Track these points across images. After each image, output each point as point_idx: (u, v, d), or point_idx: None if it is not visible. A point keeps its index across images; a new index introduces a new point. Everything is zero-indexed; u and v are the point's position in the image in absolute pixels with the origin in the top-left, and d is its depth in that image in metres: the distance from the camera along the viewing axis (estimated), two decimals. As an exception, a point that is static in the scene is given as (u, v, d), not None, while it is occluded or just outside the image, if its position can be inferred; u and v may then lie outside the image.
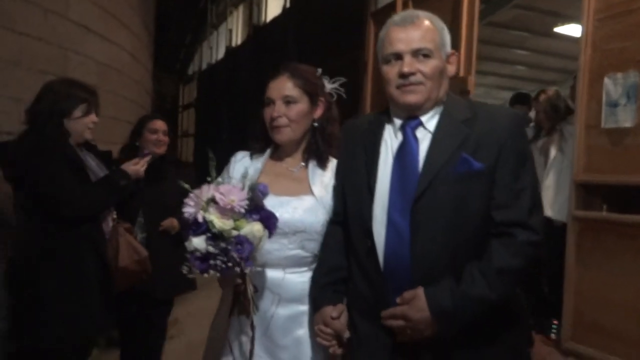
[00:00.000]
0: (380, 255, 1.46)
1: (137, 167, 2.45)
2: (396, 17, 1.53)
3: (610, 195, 3.15)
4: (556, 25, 9.16)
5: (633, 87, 2.89)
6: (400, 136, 1.52)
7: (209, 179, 1.49)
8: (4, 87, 3.20)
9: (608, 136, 3.06)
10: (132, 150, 2.86)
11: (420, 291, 1.40)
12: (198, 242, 1.41)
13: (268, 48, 9.68)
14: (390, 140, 1.54)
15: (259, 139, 1.81)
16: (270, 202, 1.53)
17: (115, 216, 2.44)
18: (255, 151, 1.82)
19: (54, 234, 2.18)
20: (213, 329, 1.83)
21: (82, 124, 2.30)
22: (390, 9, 4.45)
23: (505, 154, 1.41)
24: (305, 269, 1.70)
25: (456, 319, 1.38)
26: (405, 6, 4.47)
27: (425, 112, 1.51)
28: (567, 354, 3.23)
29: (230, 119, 11.24)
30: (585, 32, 3.23)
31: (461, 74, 3.93)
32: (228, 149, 1.88)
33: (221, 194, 1.43)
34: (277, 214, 1.52)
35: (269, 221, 1.49)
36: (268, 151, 1.81)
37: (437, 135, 1.47)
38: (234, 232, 1.42)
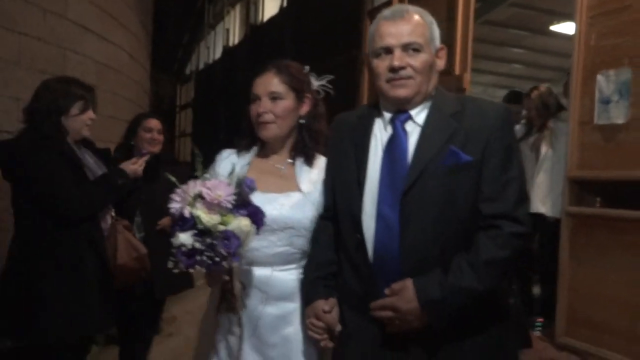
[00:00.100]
0: (370, 249, 1.48)
1: (135, 166, 2.46)
2: (386, 12, 1.54)
3: (603, 191, 3.19)
4: (552, 24, 9.18)
5: (625, 83, 2.92)
6: (389, 130, 1.53)
7: (195, 174, 1.50)
8: (3, 87, 3.22)
9: (601, 132, 3.09)
10: (127, 149, 2.87)
11: (409, 282, 1.42)
12: (185, 238, 1.41)
13: (265, 47, 9.69)
14: (380, 133, 1.55)
15: (245, 135, 1.81)
16: (257, 199, 1.52)
17: (113, 214, 2.44)
18: (241, 148, 1.81)
19: (52, 232, 2.18)
20: (201, 327, 1.83)
21: (79, 122, 2.30)
22: (387, 8, 4.48)
23: (493, 147, 1.43)
24: (293, 266, 1.70)
25: (444, 309, 1.40)
26: (401, 2, 4.49)
27: (414, 106, 1.52)
28: (562, 348, 3.26)
29: (227, 118, 11.25)
30: (578, 29, 3.26)
31: (457, 71, 3.97)
32: (225, 149, 1.88)
33: (208, 189, 1.43)
34: (265, 211, 1.52)
35: (257, 216, 1.49)
36: (254, 148, 1.81)
37: (426, 129, 1.49)
38: (221, 227, 1.42)
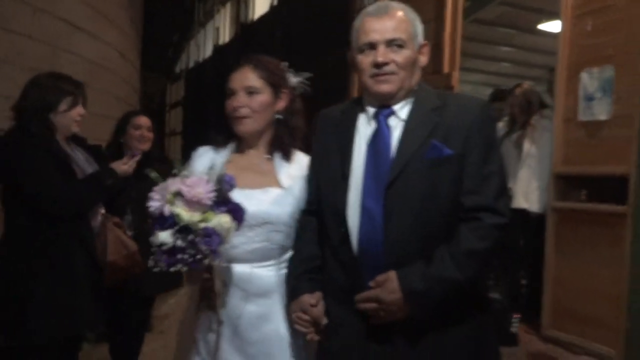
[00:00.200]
0: (355, 242, 1.49)
1: (125, 167, 2.45)
2: (370, 8, 1.56)
3: (588, 186, 3.24)
4: (540, 22, 9.24)
5: (608, 81, 2.97)
6: (373, 124, 1.55)
7: (174, 172, 1.48)
8: (-6, 85, 3.23)
9: (585, 129, 3.15)
10: (116, 147, 2.88)
11: (392, 274, 1.43)
12: (165, 236, 1.39)
13: (256, 46, 9.68)
14: (364, 128, 1.57)
15: (221, 131, 1.79)
16: (235, 196, 1.51)
17: (104, 211, 2.43)
18: (217, 144, 1.79)
19: (41, 231, 2.17)
20: (182, 326, 1.82)
21: (68, 118, 2.28)
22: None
23: (474, 141, 1.45)
24: (272, 262, 1.69)
25: (427, 299, 1.42)
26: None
27: (397, 101, 1.54)
28: (548, 341, 3.31)
29: (217, 117, 11.18)
30: (563, 28, 3.31)
31: (445, 70, 4.01)
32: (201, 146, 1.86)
33: (188, 186, 1.41)
34: (238, 202, 1.50)
35: (237, 213, 1.48)
36: (231, 145, 1.79)
37: (409, 124, 1.51)
38: (202, 225, 1.40)
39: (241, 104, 1.70)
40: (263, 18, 9.87)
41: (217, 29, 13.28)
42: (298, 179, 1.71)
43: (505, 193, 1.51)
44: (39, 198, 2.15)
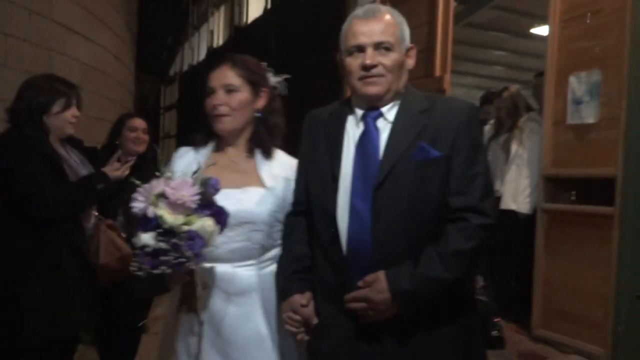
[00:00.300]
0: (344, 242, 1.50)
1: (118, 172, 2.43)
2: (359, 11, 1.57)
3: (576, 188, 3.27)
4: (532, 26, 9.32)
5: (595, 85, 3.01)
6: (361, 126, 1.57)
7: (157, 173, 1.47)
8: (-11, 88, 3.25)
9: (573, 132, 3.19)
10: (112, 149, 2.85)
11: (381, 274, 1.45)
12: (147, 238, 1.38)
13: (249, 49, 9.68)
14: (352, 130, 1.58)
15: (201, 130, 1.78)
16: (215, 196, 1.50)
17: (96, 213, 2.42)
18: (197, 144, 1.78)
19: (31, 233, 2.16)
20: (164, 329, 1.82)
21: (62, 119, 2.27)
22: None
23: (460, 143, 1.48)
24: (253, 261, 1.69)
25: (415, 299, 1.44)
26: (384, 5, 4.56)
27: (385, 103, 1.56)
28: (538, 340, 3.34)
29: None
30: (552, 32, 3.35)
31: (437, 73, 4.04)
32: (182, 147, 1.86)
33: (172, 188, 1.40)
34: (222, 206, 1.50)
35: (220, 216, 1.48)
36: (211, 144, 1.79)
37: (397, 126, 1.53)
38: (185, 228, 1.39)
39: (220, 102, 1.70)
40: (257, 21, 9.89)
41: (211, 32, 13.27)
42: (279, 178, 1.72)
43: (490, 194, 1.53)
44: (27, 200, 2.14)
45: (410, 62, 1.59)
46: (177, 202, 1.39)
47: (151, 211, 1.39)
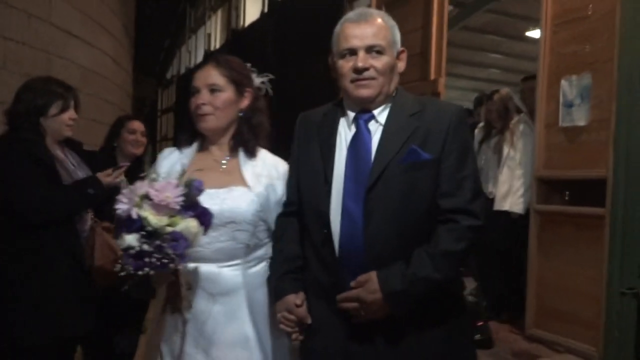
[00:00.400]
0: (336, 242, 1.52)
1: (109, 179, 2.39)
2: (351, 14, 1.59)
3: (568, 189, 3.32)
4: (527, 30, 9.39)
5: (586, 88, 3.06)
6: (353, 128, 1.59)
7: (142, 174, 1.48)
8: (-12, 91, 3.27)
9: (565, 134, 3.23)
10: (110, 151, 2.88)
11: (373, 275, 1.47)
12: (131, 239, 1.38)
13: (246, 52, 9.74)
14: (344, 132, 1.60)
15: (185, 130, 1.80)
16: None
17: (92, 216, 2.40)
18: (181, 144, 1.80)
19: (25, 235, 2.16)
20: (150, 330, 1.83)
21: (59, 122, 2.27)
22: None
23: (450, 145, 1.50)
24: (238, 261, 1.70)
25: (407, 299, 1.46)
26: (379, 10, 4.60)
27: (377, 105, 1.58)
28: (531, 340, 3.37)
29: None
30: (543, 36, 3.40)
31: (432, 76, 4.06)
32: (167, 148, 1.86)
33: (156, 190, 1.40)
34: (206, 207, 1.51)
35: (204, 217, 1.49)
36: (195, 145, 1.79)
37: (388, 128, 1.55)
38: (169, 229, 1.39)
39: (204, 101, 1.71)
40: (254, 25, 9.92)
41: (209, 35, 13.30)
42: (263, 177, 1.73)
43: (480, 196, 1.56)
44: (17, 205, 2.13)
45: (401, 65, 1.62)
46: (161, 203, 1.40)
47: (135, 212, 1.39)
